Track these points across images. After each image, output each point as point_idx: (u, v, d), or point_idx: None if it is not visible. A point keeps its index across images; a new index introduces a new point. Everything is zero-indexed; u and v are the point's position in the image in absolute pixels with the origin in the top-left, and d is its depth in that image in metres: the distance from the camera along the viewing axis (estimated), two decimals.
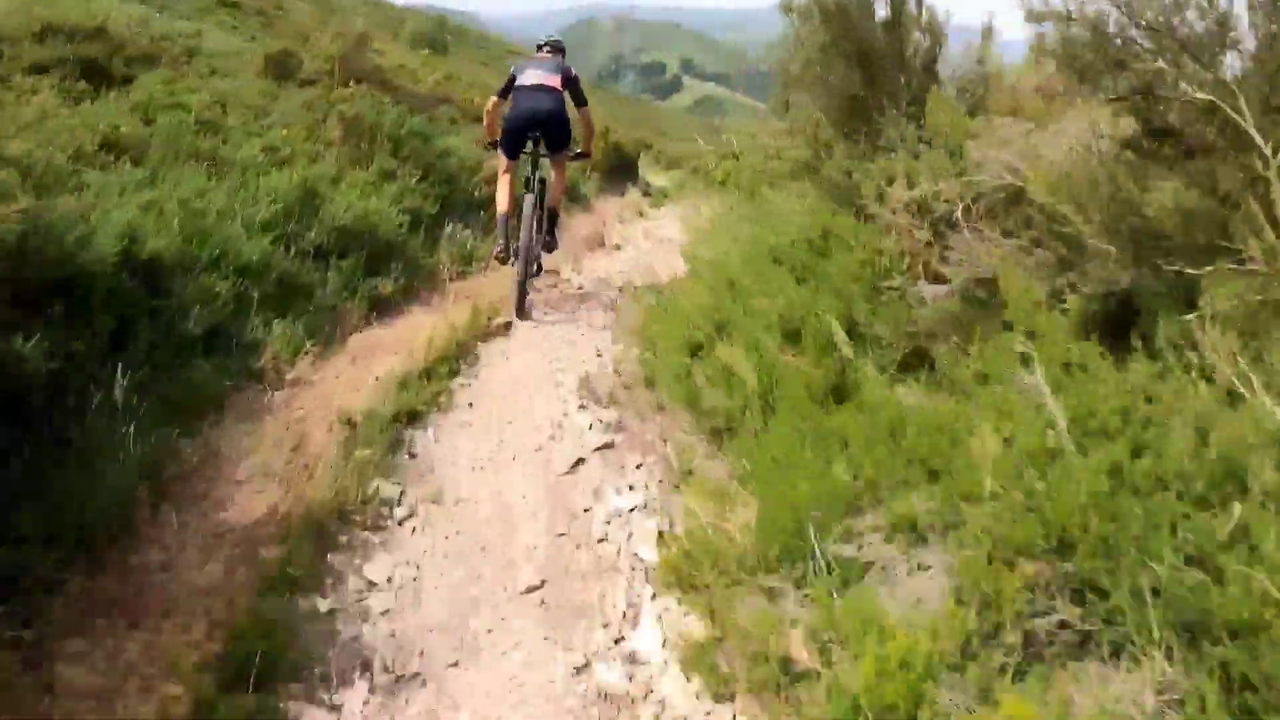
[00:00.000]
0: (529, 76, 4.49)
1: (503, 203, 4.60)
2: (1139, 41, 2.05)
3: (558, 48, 4.79)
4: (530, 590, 2.32)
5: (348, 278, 4.23)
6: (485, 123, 4.93)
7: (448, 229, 5.48)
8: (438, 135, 6.74)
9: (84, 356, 2.42)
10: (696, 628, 2.02)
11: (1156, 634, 1.36)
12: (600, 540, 2.54)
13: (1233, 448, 1.52)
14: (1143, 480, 1.56)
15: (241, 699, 1.79)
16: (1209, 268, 1.80)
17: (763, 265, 3.42)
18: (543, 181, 4.62)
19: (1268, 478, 1.45)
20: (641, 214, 8.90)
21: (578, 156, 5.08)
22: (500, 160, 4.66)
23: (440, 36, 22.47)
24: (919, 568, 1.85)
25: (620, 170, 10.39)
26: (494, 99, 4.70)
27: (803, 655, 1.67)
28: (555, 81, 4.48)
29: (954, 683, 1.47)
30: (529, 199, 4.48)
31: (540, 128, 4.46)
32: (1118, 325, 1.98)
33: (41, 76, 4.85)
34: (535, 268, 4.72)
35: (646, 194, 10.28)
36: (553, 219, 4.76)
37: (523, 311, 4.46)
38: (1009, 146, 2.45)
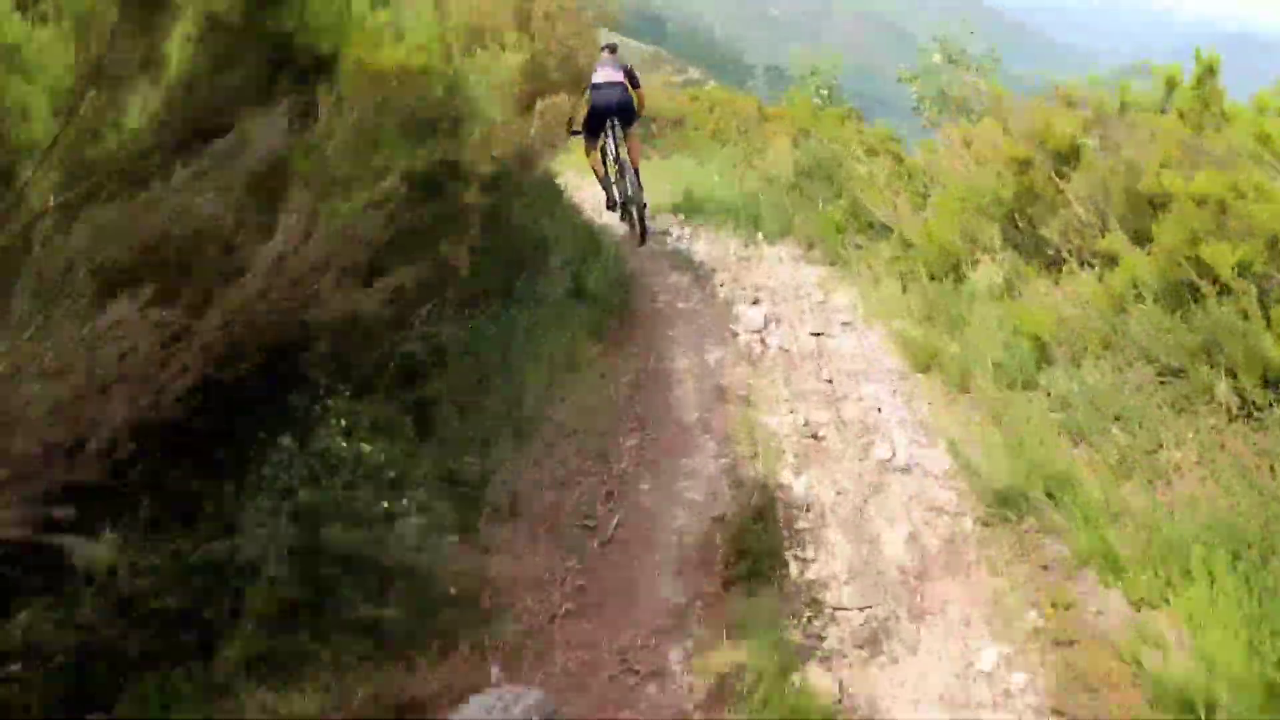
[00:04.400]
0: (601, 75, 5.93)
1: (599, 169, 6.26)
2: None
3: (614, 49, 6.25)
4: None
5: None
6: (569, 118, 5.94)
7: None
8: None
9: None
10: None
11: None
12: None
13: None
14: None
15: None
16: None
17: None
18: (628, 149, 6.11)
19: None
20: None
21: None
22: (586, 141, 6.14)
23: None
24: None
25: None
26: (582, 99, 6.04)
27: None
28: (620, 76, 5.99)
29: None
30: (618, 159, 5.97)
31: (615, 113, 5.95)
32: None
33: None
34: (644, 203, 6.16)
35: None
36: (635, 173, 6.18)
37: (645, 240, 6.12)
38: None
